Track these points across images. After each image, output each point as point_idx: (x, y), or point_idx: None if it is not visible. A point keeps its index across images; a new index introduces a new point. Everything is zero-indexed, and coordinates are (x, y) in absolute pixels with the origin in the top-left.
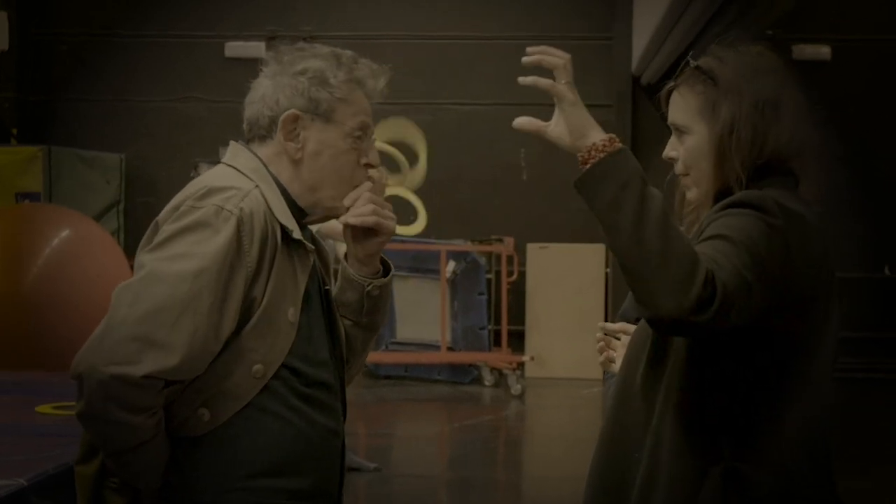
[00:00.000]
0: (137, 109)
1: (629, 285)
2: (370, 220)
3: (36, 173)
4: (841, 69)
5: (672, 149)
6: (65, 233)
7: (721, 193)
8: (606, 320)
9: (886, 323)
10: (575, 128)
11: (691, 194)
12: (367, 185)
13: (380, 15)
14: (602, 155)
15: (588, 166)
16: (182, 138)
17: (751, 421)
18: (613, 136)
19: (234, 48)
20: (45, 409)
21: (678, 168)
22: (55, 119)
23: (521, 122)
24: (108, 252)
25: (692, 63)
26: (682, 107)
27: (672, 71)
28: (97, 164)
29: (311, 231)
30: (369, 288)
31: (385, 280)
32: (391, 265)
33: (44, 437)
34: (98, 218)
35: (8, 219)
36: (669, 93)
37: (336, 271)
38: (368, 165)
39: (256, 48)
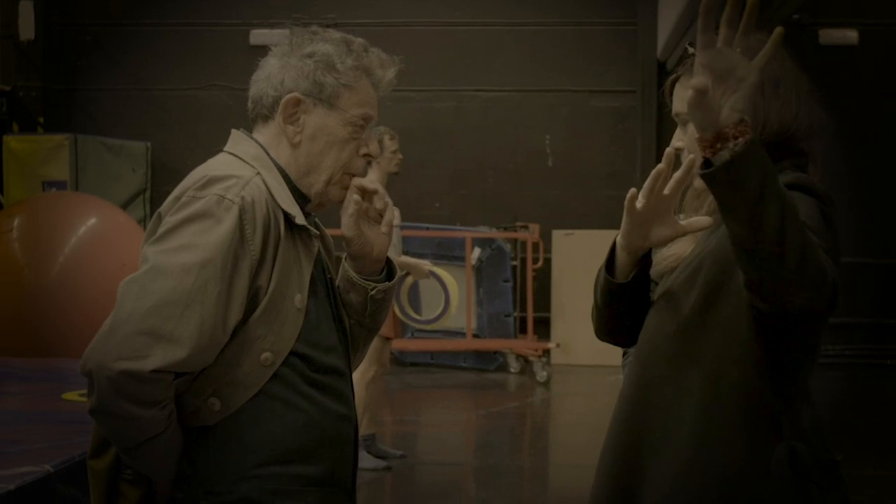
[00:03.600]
0: (162, 98)
1: (756, 278)
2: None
3: (62, 162)
4: (869, 53)
5: (678, 139)
6: (91, 221)
7: None
8: None
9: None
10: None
11: (697, 182)
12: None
13: (404, 2)
14: (741, 142)
15: (726, 154)
16: (207, 126)
17: (794, 397)
18: (744, 118)
19: (258, 36)
20: (71, 396)
21: (684, 157)
22: (81, 108)
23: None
24: (135, 240)
25: (690, 51)
26: (683, 95)
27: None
28: (123, 153)
29: (314, 217)
30: (373, 292)
31: (389, 284)
32: (396, 268)
33: (70, 424)
34: (124, 206)
35: (35, 207)
36: (673, 84)
37: (339, 259)
38: (367, 156)
39: (281, 35)
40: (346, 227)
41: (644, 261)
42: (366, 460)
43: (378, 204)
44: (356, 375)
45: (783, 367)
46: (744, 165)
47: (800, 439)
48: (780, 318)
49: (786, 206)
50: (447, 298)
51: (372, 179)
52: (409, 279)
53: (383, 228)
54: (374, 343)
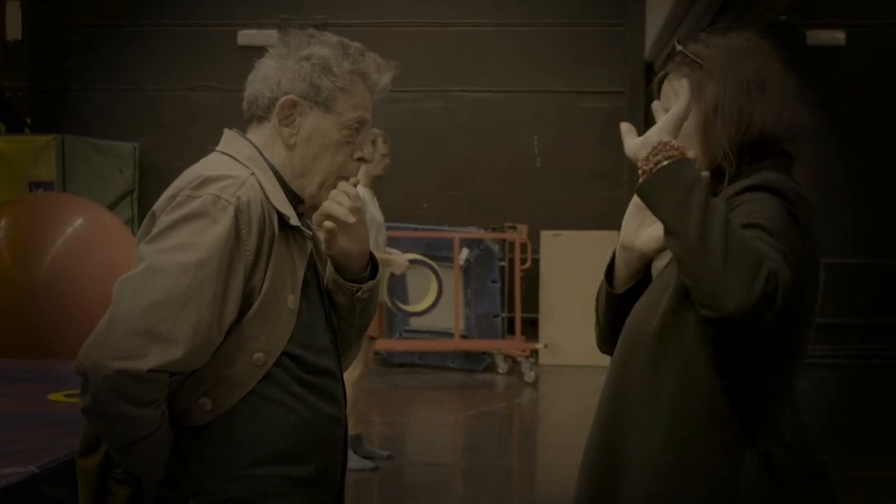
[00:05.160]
0: (150, 98)
1: (691, 286)
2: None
3: (50, 162)
4: (856, 54)
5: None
6: (79, 222)
7: (712, 175)
8: None
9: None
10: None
11: None
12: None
13: (392, 2)
14: (665, 162)
15: (653, 171)
16: (195, 127)
17: (772, 401)
18: (672, 141)
19: (246, 36)
20: (57, 396)
21: None
22: (68, 108)
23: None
24: (122, 241)
25: (679, 48)
26: (670, 93)
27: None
28: (110, 154)
29: (306, 218)
30: (359, 293)
31: (373, 283)
32: (379, 263)
33: (56, 424)
34: (112, 207)
35: (22, 208)
36: (661, 81)
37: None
38: (361, 160)
39: (269, 36)
40: (325, 248)
41: (642, 275)
42: (352, 461)
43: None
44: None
45: (755, 373)
46: (652, 190)
47: (778, 444)
48: (723, 322)
49: (707, 216)
50: (440, 284)
51: (352, 193)
52: (387, 273)
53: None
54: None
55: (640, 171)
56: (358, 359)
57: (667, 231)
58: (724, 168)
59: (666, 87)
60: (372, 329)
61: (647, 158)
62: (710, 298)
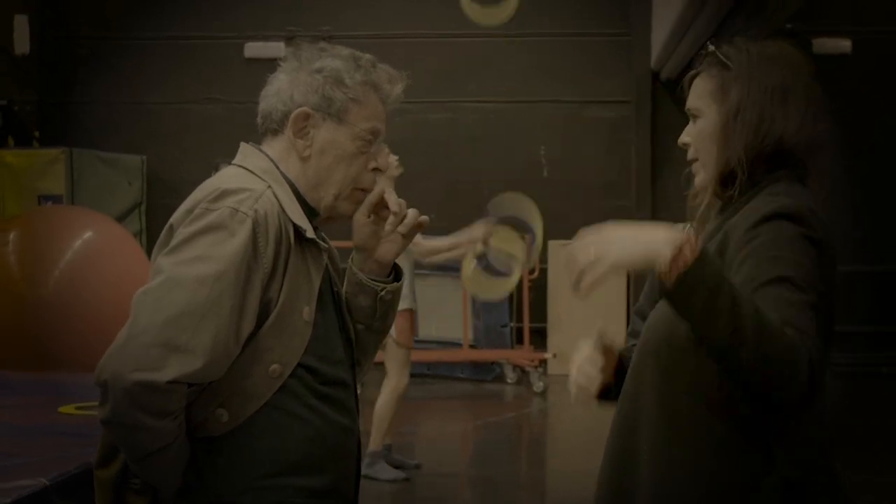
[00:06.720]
0: (158, 111)
1: (733, 382)
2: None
3: (58, 176)
4: (862, 62)
5: (686, 135)
6: (87, 235)
7: (725, 179)
8: (627, 317)
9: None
10: (640, 259)
11: (698, 178)
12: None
13: (398, 14)
14: (683, 268)
15: (673, 279)
16: (202, 139)
17: (792, 426)
18: (686, 239)
19: (253, 48)
20: (68, 409)
21: (690, 153)
22: (76, 122)
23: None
24: (131, 253)
25: (710, 48)
26: (697, 91)
27: (692, 65)
28: (118, 166)
29: (321, 231)
30: (383, 293)
31: (398, 285)
32: (402, 268)
33: (66, 437)
34: (120, 219)
35: (31, 221)
36: (692, 80)
37: (345, 271)
38: (377, 170)
39: (276, 48)
40: (360, 214)
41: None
42: (386, 471)
43: (394, 208)
44: (387, 388)
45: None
46: (681, 297)
47: (796, 466)
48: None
49: (738, 316)
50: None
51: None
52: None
53: (402, 229)
54: (402, 355)
55: (661, 273)
56: (403, 372)
57: (697, 334)
58: (737, 174)
59: (695, 83)
60: (406, 340)
61: (674, 261)
62: (758, 394)
